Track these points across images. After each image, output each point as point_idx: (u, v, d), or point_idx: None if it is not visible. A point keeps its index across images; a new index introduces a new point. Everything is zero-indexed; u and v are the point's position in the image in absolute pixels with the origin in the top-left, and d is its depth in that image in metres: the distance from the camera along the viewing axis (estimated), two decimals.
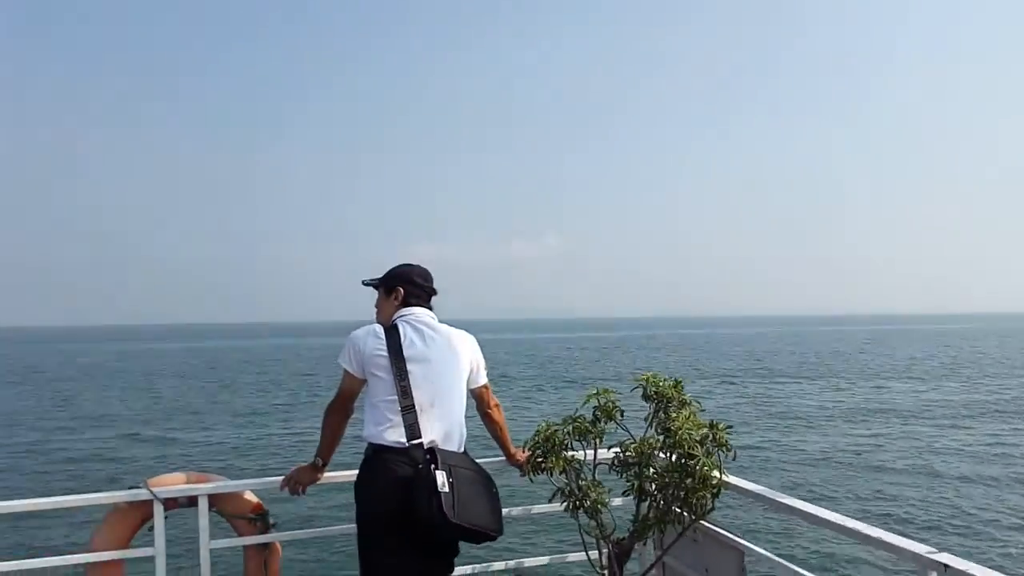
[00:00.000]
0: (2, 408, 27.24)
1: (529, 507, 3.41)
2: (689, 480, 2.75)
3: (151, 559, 2.79)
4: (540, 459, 3.02)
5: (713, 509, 2.82)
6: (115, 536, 2.80)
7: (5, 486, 12.87)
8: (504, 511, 2.74)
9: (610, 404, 2.97)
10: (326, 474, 2.94)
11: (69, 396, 31.64)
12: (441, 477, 2.47)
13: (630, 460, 2.96)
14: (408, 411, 2.62)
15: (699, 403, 3.00)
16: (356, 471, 2.72)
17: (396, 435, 2.61)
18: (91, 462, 14.96)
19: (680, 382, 2.98)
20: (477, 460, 2.87)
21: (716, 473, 2.73)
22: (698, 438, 2.77)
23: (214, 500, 2.93)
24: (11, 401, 31.01)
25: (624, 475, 2.98)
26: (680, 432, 2.77)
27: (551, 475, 2.98)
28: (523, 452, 3.11)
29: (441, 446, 2.64)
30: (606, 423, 3.00)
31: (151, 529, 2.81)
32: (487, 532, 2.56)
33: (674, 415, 2.87)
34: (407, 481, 2.53)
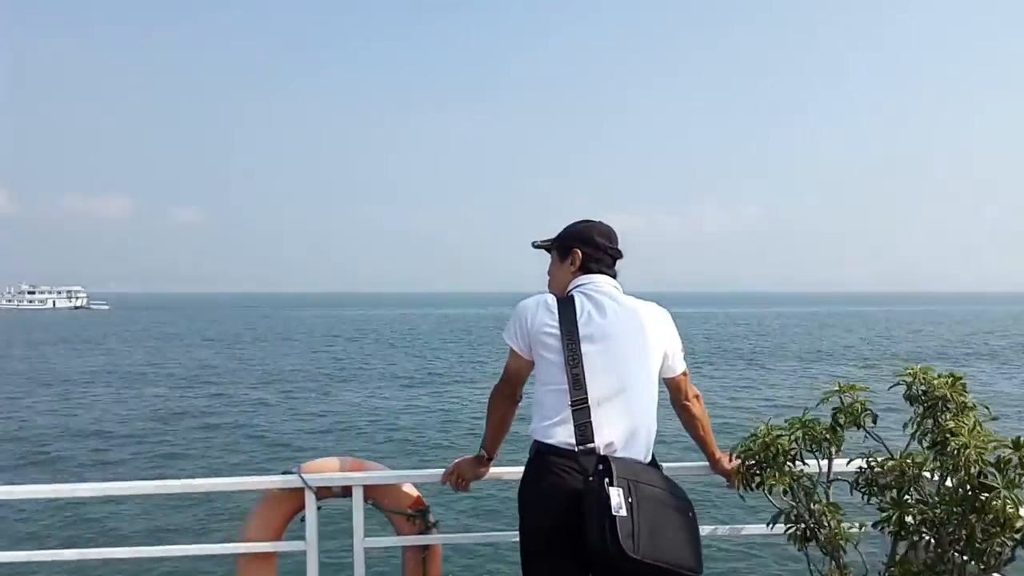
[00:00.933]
0: (181, 368, 30.74)
1: (736, 528, 2.74)
2: (976, 518, 1.96)
3: (302, 553, 2.53)
4: (755, 470, 2.36)
5: (1013, 560, 2.00)
6: (268, 526, 2.57)
7: (155, 456, 13.13)
8: (702, 530, 2.14)
9: (857, 405, 2.22)
10: (493, 469, 2.52)
11: (251, 358, 35.29)
12: (617, 496, 1.91)
13: (883, 481, 2.20)
14: (580, 406, 2.11)
15: (989, 409, 2.16)
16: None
17: (565, 434, 2.12)
18: (250, 429, 15.56)
19: (961, 379, 2.15)
20: (662, 464, 2.29)
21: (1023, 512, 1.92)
22: (993, 460, 1.96)
23: (370, 491, 2.62)
24: (194, 361, 35.11)
25: (873, 499, 2.23)
26: (965, 450, 1.98)
27: (770, 492, 2.30)
28: (731, 459, 2.46)
29: (620, 452, 2.11)
30: (846, 429, 2.26)
31: (303, 519, 2.56)
32: (679, 572, 1.98)
33: (951, 424, 2.07)
34: (577, 495, 2.03)
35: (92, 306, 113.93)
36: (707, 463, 2.56)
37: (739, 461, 2.40)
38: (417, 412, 17.48)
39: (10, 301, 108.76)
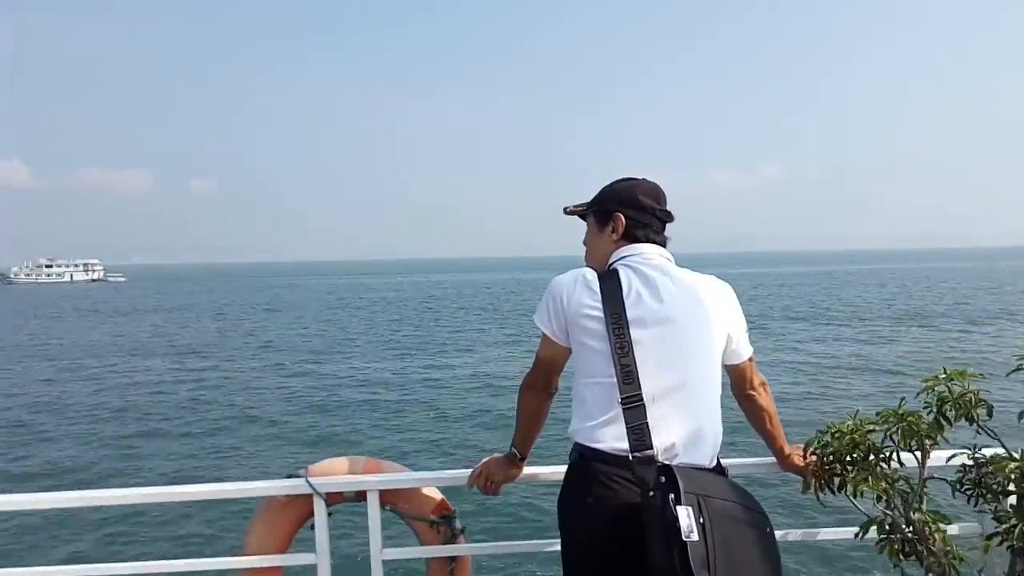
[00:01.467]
0: (177, 345, 30.55)
1: (810, 533, 2.39)
2: None
3: (313, 567, 2.22)
4: (836, 469, 2.01)
5: None
6: (273, 536, 2.26)
7: (150, 453, 11.86)
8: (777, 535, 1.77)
9: (970, 397, 1.84)
10: (526, 470, 2.18)
11: (252, 331, 34.98)
12: (686, 516, 1.57)
13: (997, 485, 1.84)
14: (632, 403, 1.75)
15: None
16: (565, 469, 1.91)
17: (614, 437, 1.76)
18: (247, 418, 14.13)
19: None
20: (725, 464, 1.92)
21: None
22: None
23: (387, 496, 2.29)
24: (204, 333, 35.06)
25: (984, 505, 1.88)
26: None
27: (857, 495, 1.95)
28: (806, 455, 2.10)
29: (683, 458, 1.75)
30: (950, 424, 1.89)
31: (313, 528, 2.24)
32: None
33: None
34: (632, 510, 1.67)
35: (109, 279, 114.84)
36: (774, 459, 2.21)
37: (815, 458, 2.05)
38: (438, 401, 15.51)
39: (28, 275, 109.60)
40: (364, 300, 58.17)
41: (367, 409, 14.77)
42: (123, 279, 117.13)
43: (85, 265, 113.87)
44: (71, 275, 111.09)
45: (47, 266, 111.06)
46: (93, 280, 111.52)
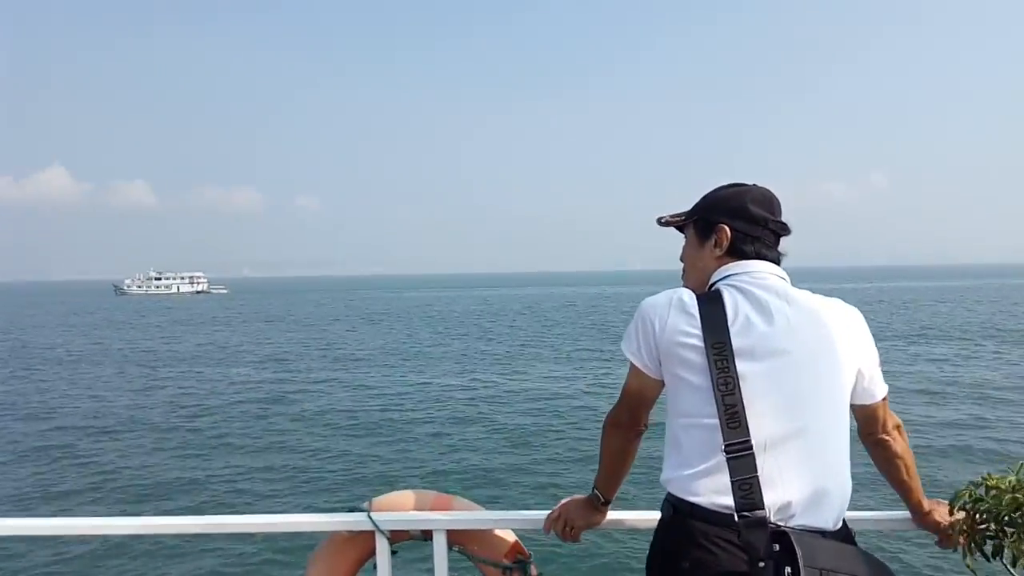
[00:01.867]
0: (254, 356, 31.47)
1: None
2: None
3: None
4: (991, 531, 1.65)
5: None
6: (332, 575, 2.09)
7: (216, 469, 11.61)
8: None
9: None
10: (610, 515, 1.93)
11: (328, 344, 35.72)
12: None
13: None
14: (739, 451, 1.46)
15: None
16: (657, 516, 1.65)
17: (715, 491, 1.48)
18: (310, 444, 13.38)
19: None
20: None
21: None
22: None
23: (456, 536, 2.08)
24: (283, 344, 36.06)
25: None
26: None
27: (1018, 564, 1.59)
28: (952, 511, 1.74)
29: (801, 519, 1.45)
30: None
31: (375, 567, 2.06)
32: None
33: None
34: None
35: (212, 291, 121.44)
36: (908, 514, 1.86)
37: (964, 516, 1.70)
38: (516, 429, 14.26)
39: (140, 287, 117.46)
40: (452, 314, 59.00)
41: (437, 435, 14.10)
42: (225, 291, 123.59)
43: (191, 278, 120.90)
44: (178, 287, 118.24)
45: (156, 279, 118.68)
46: (197, 292, 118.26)
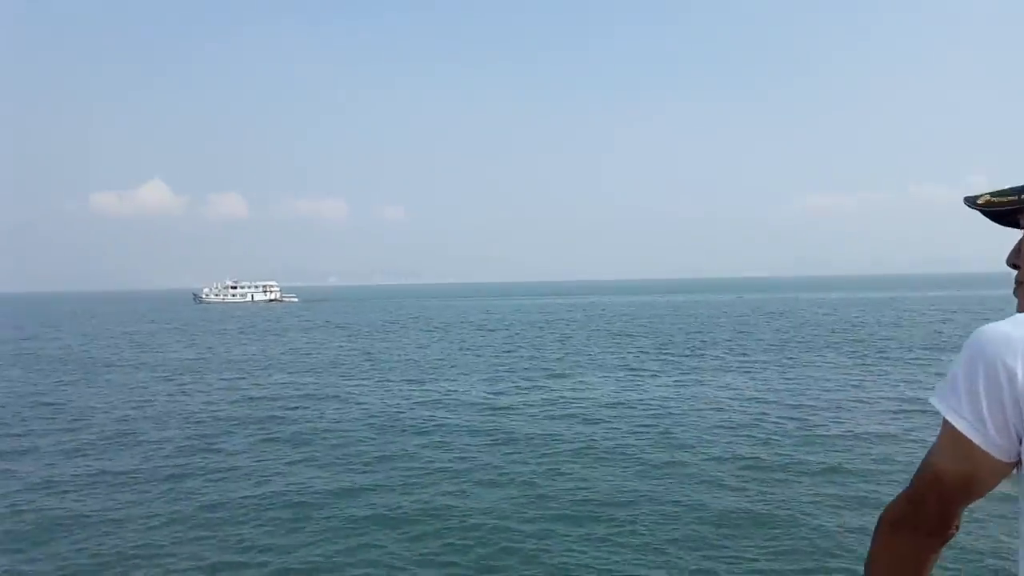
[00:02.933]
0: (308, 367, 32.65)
1: None
2: None
3: None
4: None
5: None
6: None
7: None
8: None
9: None
10: None
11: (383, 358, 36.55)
12: None
13: None
14: None
15: None
16: None
17: None
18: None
19: None
20: None
21: None
22: None
23: None
24: (342, 353, 37.27)
25: None
26: None
27: None
28: None
29: None
30: None
31: None
32: None
33: None
34: None
35: (284, 299, 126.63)
36: None
37: None
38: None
39: (217, 295, 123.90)
40: (540, 321, 59.63)
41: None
42: (296, 300, 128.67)
43: (264, 287, 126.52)
44: (252, 296, 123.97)
45: (232, 287, 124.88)
46: (270, 301, 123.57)
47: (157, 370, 29.39)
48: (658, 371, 25.51)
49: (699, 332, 42.46)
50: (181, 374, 28.13)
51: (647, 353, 31.54)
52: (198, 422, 18.02)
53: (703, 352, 31.32)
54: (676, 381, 23.07)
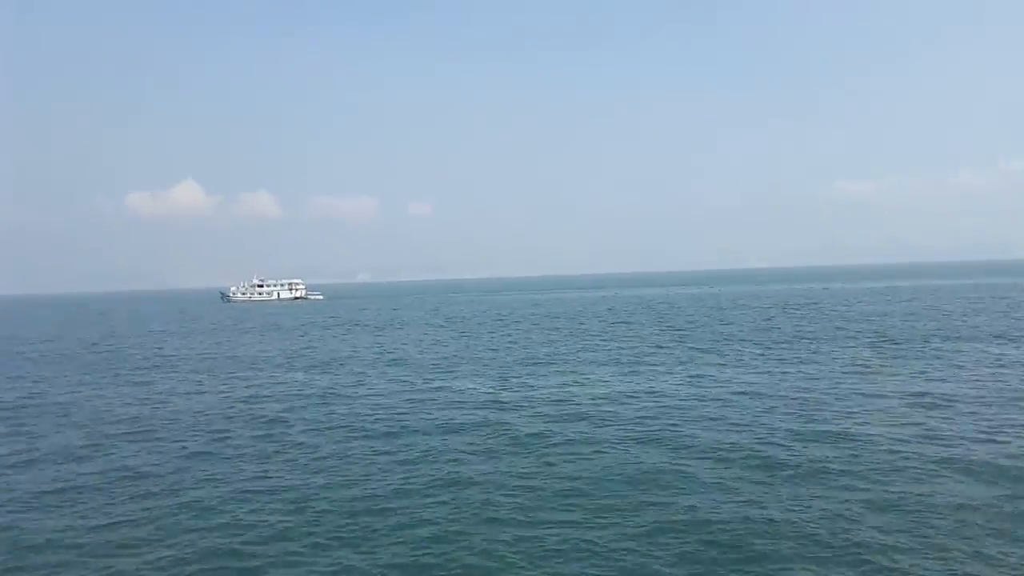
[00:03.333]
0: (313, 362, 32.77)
1: None
2: None
3: None
4: None
5: None
6: None
7: None
8: None
9: None
10: None
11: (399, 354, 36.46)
12: None
13: None
14: None
15: None
16: None
17: None
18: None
19: None
20: None
21: None
22: None
23: None
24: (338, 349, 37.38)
25: None
26: None
27: None
28: None
29: None
30: None
31: None
32: None
33: None
34: None
35: (309, 296, 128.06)
36: None
37: None
38: None
39: (244, 294, 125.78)
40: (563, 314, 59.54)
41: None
42: (320, 297, 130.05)
43: (290, 285, 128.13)
44: (278, 294, 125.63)
45: (259, 286, 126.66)
46: (295, 298, 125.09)
47: (176, 367, 29.97)
48: (786, 365, 25.29)
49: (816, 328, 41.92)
50: (197, 372, 28.66)
51: (767, 347, 31.23)
52: (208, 416, 18.34)
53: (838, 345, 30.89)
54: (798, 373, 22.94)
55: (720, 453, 13.55)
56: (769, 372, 23.21)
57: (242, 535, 10.22)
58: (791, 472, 12.23)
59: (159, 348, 40.94)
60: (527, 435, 15.58)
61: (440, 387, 22.49)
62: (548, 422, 16.82)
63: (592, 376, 23.71)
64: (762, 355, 27.49)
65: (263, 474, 13.30)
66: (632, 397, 19.61)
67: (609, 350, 31.08)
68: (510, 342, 36.47)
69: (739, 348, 30.09)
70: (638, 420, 16.66)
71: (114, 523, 10.88)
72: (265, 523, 10.66)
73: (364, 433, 16.40)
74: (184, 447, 15.68)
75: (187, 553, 9.66)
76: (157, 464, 14.24)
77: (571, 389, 21.24)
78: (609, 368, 25.46)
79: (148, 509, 11.51)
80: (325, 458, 14.28)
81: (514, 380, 23.52)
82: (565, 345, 33.88)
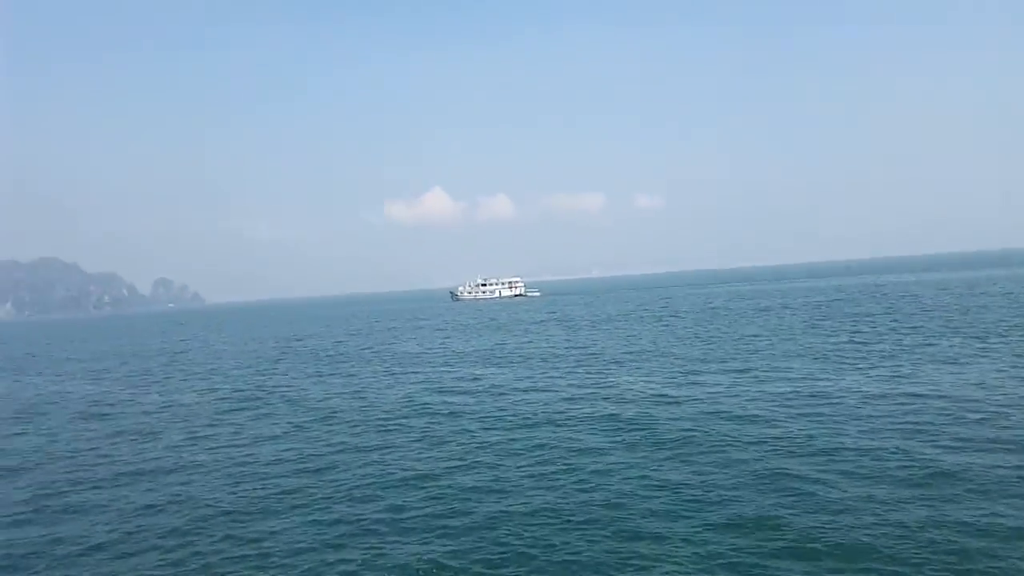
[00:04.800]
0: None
1: None
2: None
3: None
4: None
5: None
6: None
7: None
8: None
9: None
10: None
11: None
12: None
13: None
14: None
15: None
16: None
17: None
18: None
19: None
20: None
21: None
22: None
23: None
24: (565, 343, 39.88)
25: None
26: None
27: None
28: None
29: None
30: None
31: None
32: None
33: None
34: None
35: (527, 294, 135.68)
36: None
37: None
38: None
39: (470, 292, 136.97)
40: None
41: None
42: (538, 294, 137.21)
43: (510, 283, 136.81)
44: (499, 292, 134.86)
45: (482, 285, 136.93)
46: (515, 295, 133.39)
47: (398, 359, 35.41)
48: None
49: None
50: (400, 363, 33.73)
51: None
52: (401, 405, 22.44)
53: None
54: None
55: None
56: None
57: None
58: None
59: (391, 342, 47.63)
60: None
61: (600, 383, 24.59)
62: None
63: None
64: None
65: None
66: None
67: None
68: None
69: None
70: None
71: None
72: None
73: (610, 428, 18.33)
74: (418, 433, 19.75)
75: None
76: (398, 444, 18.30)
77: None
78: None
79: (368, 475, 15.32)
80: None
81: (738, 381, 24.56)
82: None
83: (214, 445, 18.54)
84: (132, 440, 19.88)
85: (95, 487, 15.12)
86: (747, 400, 19.47)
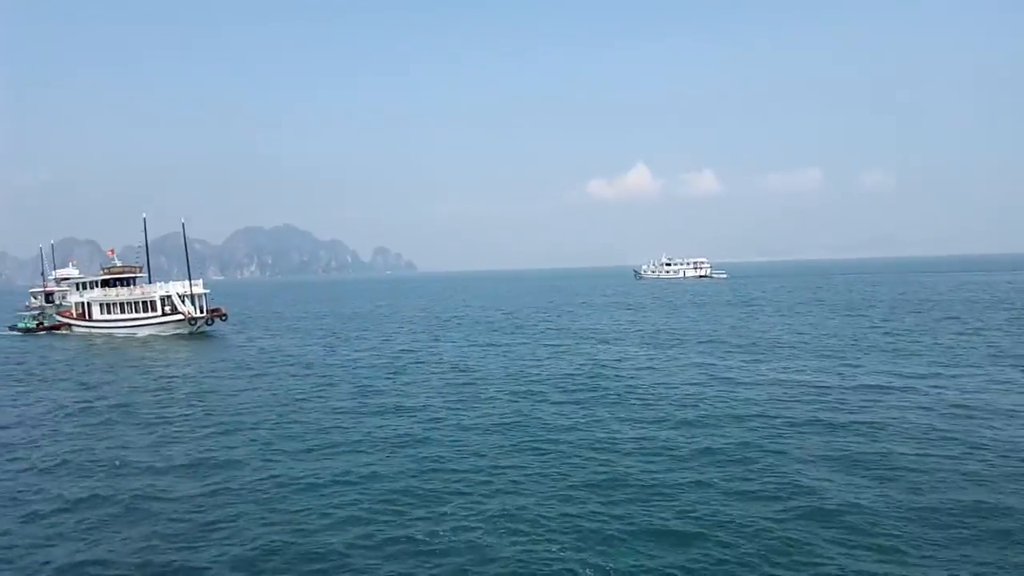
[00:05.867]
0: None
1: None
2: None
3: None
4: None
5: None
6: None
7: None
8: None
9: None
10: None
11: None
12: None
13: None
14: None
15: None
16: None
17: None
18: None
19: None
20: None
21: None
22: None
23: None
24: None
25: None
26: None
27: None
28: None
29: None
30: None
31: None
32: None
33: None
34: None
35: (713, 275, 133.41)
36: None
37: None
38: None
39: (654, 272, 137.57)
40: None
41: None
42: (724, 276, 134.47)
43: (695, 263, 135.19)
44: (684, 272, 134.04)
45: (666, 264, 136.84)
46: (700, 276, 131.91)
47: (556, 336, 39.44)
48: None
49: None
50: (563, 341, 37.30)
51: None
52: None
53: None
54: None
55: None
56: None
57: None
58: None
59: (557, 318, 51.66)
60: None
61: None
62: None
63: None
64: None
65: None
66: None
67: None
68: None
69: None
70: None
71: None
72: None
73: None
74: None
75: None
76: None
77: None
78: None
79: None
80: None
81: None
82: None
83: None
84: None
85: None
86: None
